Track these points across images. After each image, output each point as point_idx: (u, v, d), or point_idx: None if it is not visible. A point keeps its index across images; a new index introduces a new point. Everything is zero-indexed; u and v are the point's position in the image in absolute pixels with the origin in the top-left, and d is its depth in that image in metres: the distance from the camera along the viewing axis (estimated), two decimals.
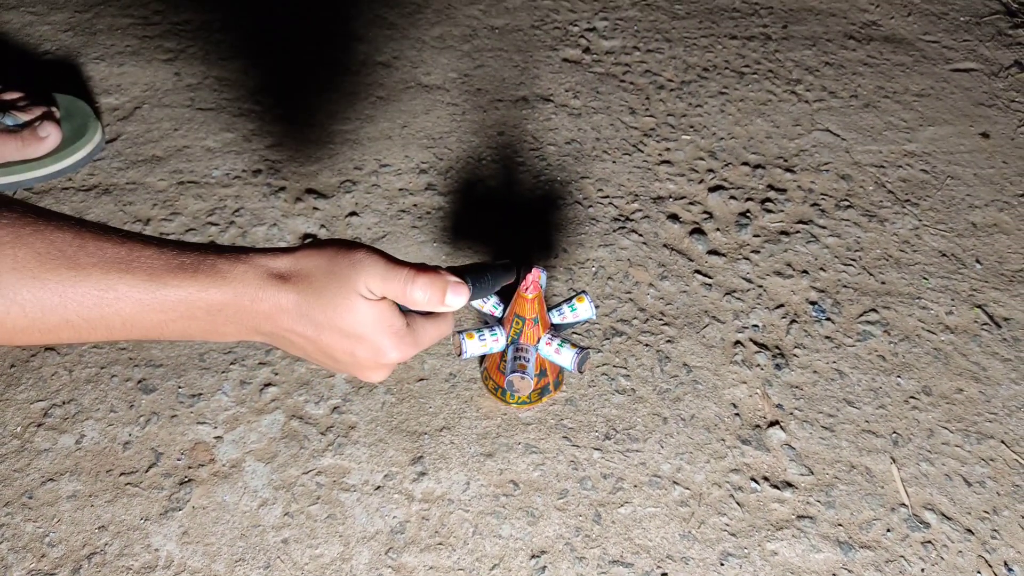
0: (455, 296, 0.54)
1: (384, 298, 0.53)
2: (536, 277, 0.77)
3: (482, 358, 0.92)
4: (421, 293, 0.52)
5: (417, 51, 1.36)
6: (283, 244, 1.05)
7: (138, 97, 1.24)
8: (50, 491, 0.80)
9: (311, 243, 0.55)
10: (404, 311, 0.55)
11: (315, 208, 1.09)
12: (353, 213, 1.09)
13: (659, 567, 0.78)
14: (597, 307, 1.00)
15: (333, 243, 0.54)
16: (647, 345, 0.97)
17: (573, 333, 0.97)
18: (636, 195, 1.15)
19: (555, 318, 0.86)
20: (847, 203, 1.17)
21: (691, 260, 1.07)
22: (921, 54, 1.48)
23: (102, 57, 1.30)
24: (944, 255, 1.11)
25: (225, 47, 1.33)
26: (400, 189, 1.13)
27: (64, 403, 0.88)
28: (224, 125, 1.20)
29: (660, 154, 1.22)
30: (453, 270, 0.57)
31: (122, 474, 0.82)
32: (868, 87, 1.38)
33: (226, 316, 0.51)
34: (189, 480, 0.82)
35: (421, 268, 0.53)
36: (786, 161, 1.23)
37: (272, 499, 0.81)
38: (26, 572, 0.75)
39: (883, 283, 1.06)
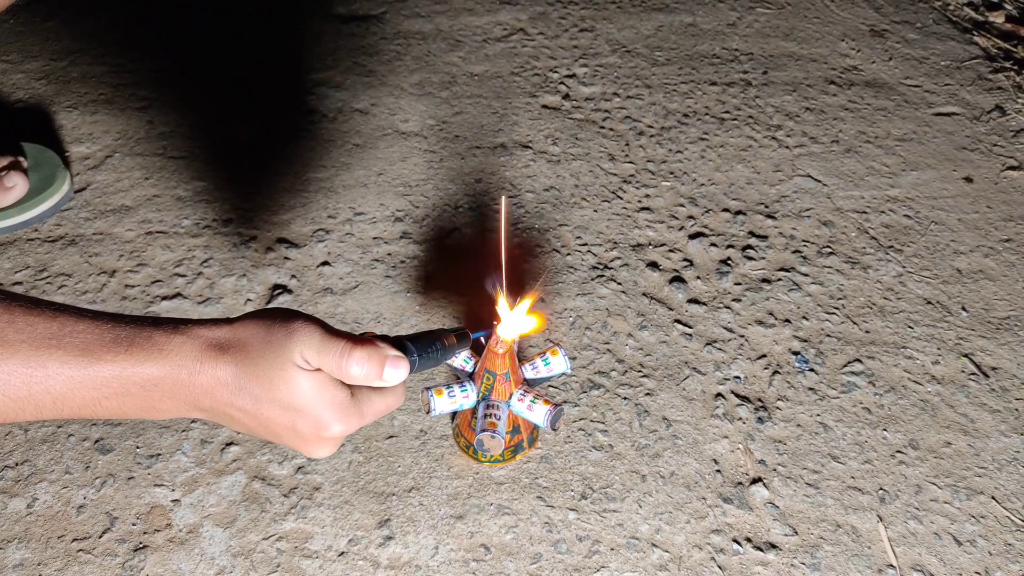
0: (394, 371, 0.51)
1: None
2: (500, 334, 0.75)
3: (453, 414, 0.89)
4: (357, 368, 0.50)
5: (395, 98, 1.36)
6: (252, 296, 1.02)
7: (110, 145, 1.22)
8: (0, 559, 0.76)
9: (250, 313, 0.52)
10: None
11: (286, 258, 1.07)
12: (325, 263, 1.07)
13: None
14: (573, 359, 0.97)
15: (271, 312, 0.51)
16: (625, 398, 0.94)
17: (548, 387, 0.94)
18: (615, 243, 1.13)
19: (528, 372, 0.84)
20: (829, 250, 1.15)
21: (671, 309, 1.05)
22: (903, 98, 1.48)
23: (75, 105, 1.29)
24: (929, 302, 1.09)
25: (200, 94, 1.33)
26: (374, 238, 1.11)
27: (17, 464, 0.84)
28: (196, 173, 1.18)
29: (640, 201, 1.20)
30: (397, 340, 0.54)
31: (74, 540, 0.79)
32: (849, 132, 1.38)
33: (162, 391, 0.48)
34: (144, 547, 0.78)
35: (358, 340, 0.50)
36: (767, 207, 1.21)
37: (230, 567, 0.77)
38: None
39: (867, 332, 1.04)
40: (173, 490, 0.82)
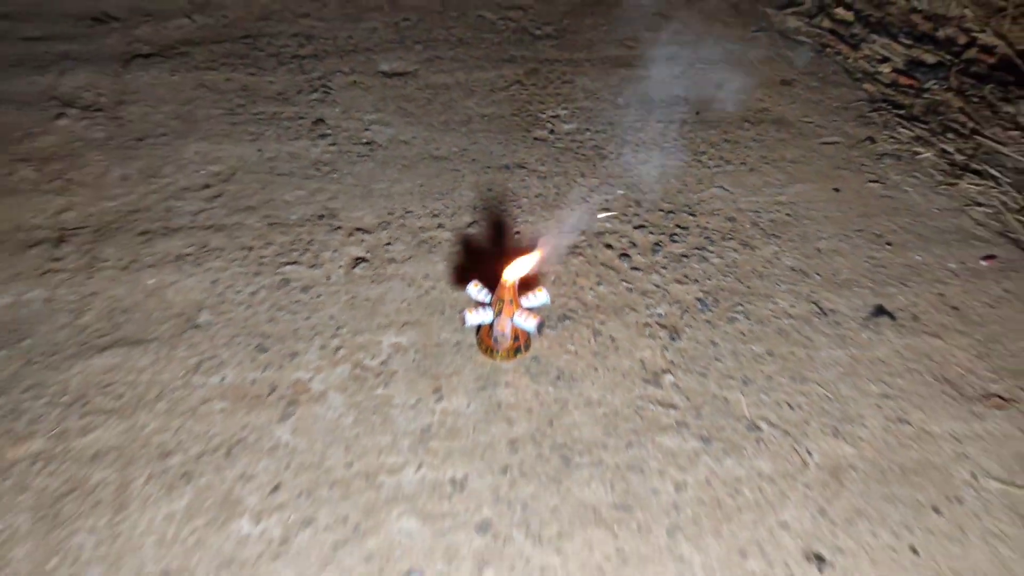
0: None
1: None
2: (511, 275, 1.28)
3: (478, 328, 1.41)
4: None
5: (429, 132, 1.90)
6: (341, 264, 1.55)
7: (233, 166, 1.76)
8: (207, 408, 1.28)
9: None
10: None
11: (362, 240, 1.60)
12: (388, 243, 1.60)
13: (588, 450, 1.26)
14: (550, 303, 1.49)
15: None
16: (586, 326, 1.47)
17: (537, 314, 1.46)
18: (583, 231, 1.66)
19: (524, 302, 1.36)
20: (730, 236, 1.69)
21: (619, 273, 1.58)
22: (798, 131, 2.02)
23: (205, 137, 1.83)
24: (794, 270, 1.62)
25: (293, 131, 1.87)
26: (420, 227, 1.64)
27: (210, 358, 1.36)
28: (296, 185, 1.72)
29: (601, 204, 1.74)
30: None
31: (251, 399, 1.30)
32: (754, 156, 1.92)
33: None
34: (294, 402, 1.30)
35: None
36: (689, 208, 1.75)
37: (346, 414, 1.29)
38: (195, 456, 1.22)
39: (748, 288, 1.57)
40: (309, 372, 1.34)
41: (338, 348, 1.39)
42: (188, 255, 1.54)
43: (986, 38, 2.66)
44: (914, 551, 1.17)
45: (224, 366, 1.35)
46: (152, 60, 2.04)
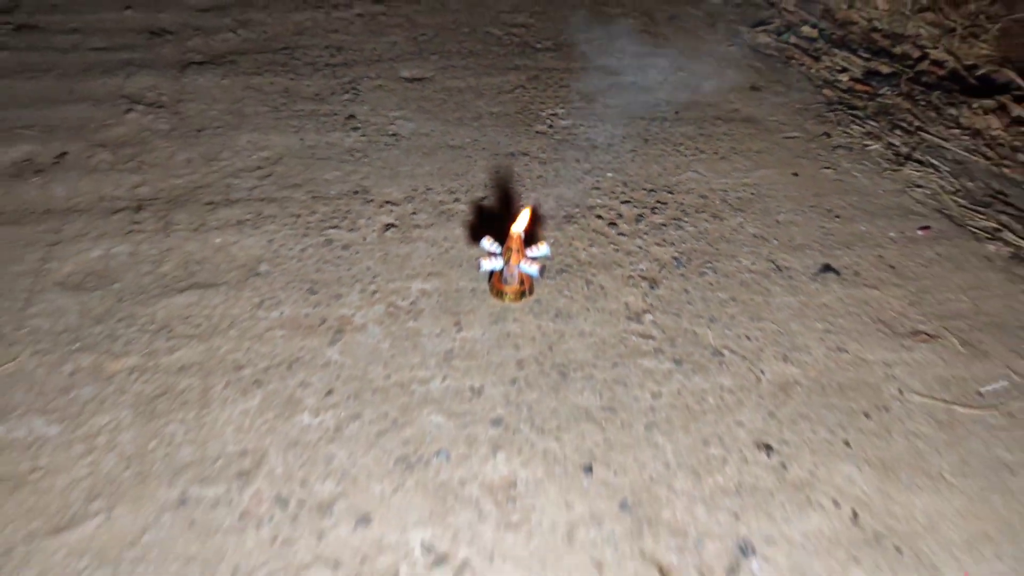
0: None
1: None
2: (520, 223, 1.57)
3: (490, 275, 1.70)
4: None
5: (445, 126, 2.21)
6: (374, 229, 1.84)
7: (280, 152, 2.06)
8: (270, 335, 1.56)
9: None
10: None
11: (391, 211, 1.90)
12: (414, 213, 1.89)
13: (581, 367, 1.54)
14: (550, 256, 1.79)
15: None
16: (580, 277, 1.76)
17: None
18: (578, 205, 1.96)
19: (528, 252, 1.66)
20: (703, 210, 1.99)
21: (607, 238, 1.87)
22: (764, 128, 2.33)
23: (254, 129, 2.14)
24: (756, 236, 1.92)
25: (329, 125, 2.17)
26: (440, 201, 1.94)
27: (270, 298, 1.65)
28: (334, 167, 2.02)
29: (593, 184, 2.04)
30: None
31: (305, 328, 1.58)
32: (725, 147, 2.22)
33: None
34: (340, 331, 1.58)
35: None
36: (669, 188, 2.05)
37: (383, 340, 1.57)
38: (263, 368, 1.50)
39: (717, 250, 1.86)
40: (351, 310, 1.63)
41: (374, 292, 1.68)
42: (247, 220, 1.83)
43: (937, 53, 2.99)
44: (846, 444, 1.45)
45: (282, 304, 1.64)
46: (204, 67, 2.35)
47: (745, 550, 1.27)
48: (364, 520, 1.27)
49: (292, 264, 1.73)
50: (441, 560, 1.22)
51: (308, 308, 1.63)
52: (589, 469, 1.37)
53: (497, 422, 1.43)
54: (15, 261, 1.69)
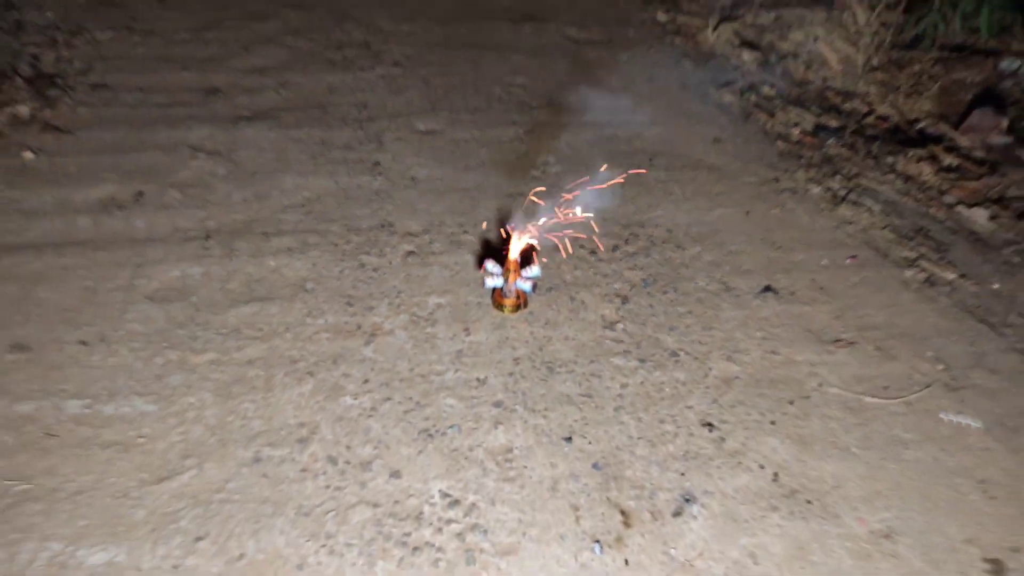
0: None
1: None
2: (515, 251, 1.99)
3: (492, 291, 2.11)
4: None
5: (454, 172, 2.63)
6: (398, 256, 2.25)
7: (319, 192, 2.49)
8: (318, 337, 1.96)
9: None
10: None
11: (412, 240, 2.31)
12: (430, 242, 2.31)
13: (564, 364, 1.94)
14: (541, 276, 2.20)
15: None
16: (565, 294, 2.16)
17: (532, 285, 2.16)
18: (562, 237, 2.38)
19: (523, 272, 2.07)
20: (668, 242, 2.40)
21: (588, 263, 2.29)
22: (723, 173, 2.76)
23: (297, 174, 2.56)
24: (711, 263, 2.33)
25: (358, 170, 2.60)
26: (451, 233, 2.36)
27: (316, 309, 2.05)
28: (363, 205, 2.44)
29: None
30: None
31: (347, 332, 1.99)
32: (690, 190, 2.65)
33: None
34: (373, 334, 1.99)
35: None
36: (641, 223, 2.47)
37: (407, 342, 1.97)
38: (313, 363, 1.89)
39: (678, 273, 2.28)
40: (381, 318, 2.03)
41: (399, 304, 2.08)
42: (295, 248, 2.25)
43: (883, 109, 3.45)
44: (773, 423, 1.84)
45: (325, 313, 2.04)
46: (252, 121, 2.79)
47: (688, 499, 1.66)
48: (395, 474, 1.66)
49: (332, 282, 2.14)
50: (454, 504, 1.61)
51: (347, 317, 2.03)
52: (569, 439, 1.76)
53: (498, 404, 1.82)
54: (109, 279, 2.10)
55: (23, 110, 2.72)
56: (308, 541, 1.52)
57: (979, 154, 3.17)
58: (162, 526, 1.53)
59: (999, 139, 3.29)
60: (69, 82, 2.91)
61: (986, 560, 1.60)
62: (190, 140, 2.64)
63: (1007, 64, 3.81)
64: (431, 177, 2.59)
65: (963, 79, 3.71)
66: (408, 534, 1.55)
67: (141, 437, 1.70)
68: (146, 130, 2.67)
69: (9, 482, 1.59)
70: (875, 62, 3.66)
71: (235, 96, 2.89)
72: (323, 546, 1.51)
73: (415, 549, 1.52)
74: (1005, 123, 3.32)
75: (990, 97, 3.51)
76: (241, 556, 1.49)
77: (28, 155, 2.53)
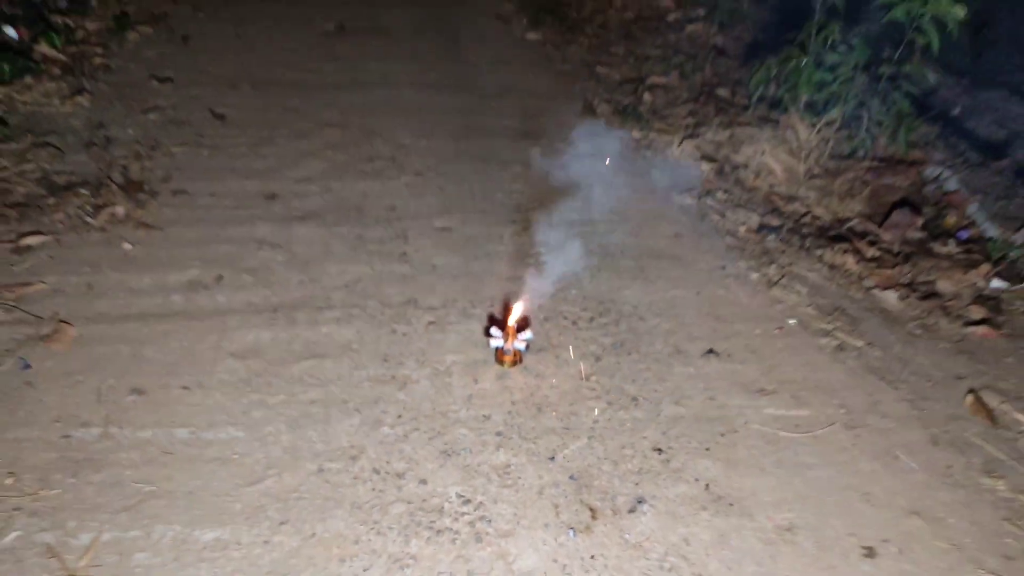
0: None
1: None
2: (512, 328, 2.64)
3: (495, 350, 2.74)
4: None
5: (466, 261, 3.31)
6: (422, 325, 2.90)
7: (358, 276, 3.15)
8: (361, 384, 2.58)
9: None
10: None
11: (433, 312, 2.96)
12: (447, 314, 2.95)
13: (551, 405, 2.55)
14: (533, 339, 2.83)
15: None
16: (552, 353, 2.79)
17: (526, 345, 2.80)
18: (551, 310, 3.03)
19: (520, 336, 2.70)
20: (633, 315, 3.05)
21: (570, 331, 2.92)
22: (681, 262, 3.43)
23: (340, 261, 3.23)
24: (667, 331, 2.97)
25: (389, 259, 3.27)
26: (464, 307, 3.00)
27: (359, 364, 2.68)
28: (394, 286, 3.10)
29: (562, 297, 3.12)
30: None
31: (384, 381, 2.60)
32: (653, 275, 3.31)
33: None
34: (405, 384, 2.61)
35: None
36: (612, 300, 3.12)
37: (430, 388, 2.58)
38: (361, 403, 2.51)
39: (640, 339, 2.91)
40: (410, 371, 2.66)
41: (424, 361, 2.71)
42: (342, 318, 2.89)
43: (818, 210, 4.16)
44: (707, 449, 2.44)
45: (367, 367, 2.67)
46: (303, 220, 3.49)
47: (640, 501, 2.24)
48: (423, 482, 2.25)
49: (371, 344, 2.77)
50: (467, 502, 2.20)
51: (383, 369, 2.66)
52: (552, 458, 2.36)
53: (499, 433, 2.43)
54: (201, 341, 2.73)
55: (120, 210, 3.43)
56: (361, 525, 2.10)
57: (897, 247, 3.86)
58: (254, 515, 2.12)
59: (915, 234, 3.99)
60: (154, 188, 3.63)
61: (863, 547, 2.18)
62: (255, 235, 3.33)
63: (929, 172, 4.57)
64: (447, 264, 3.26)
65: (891, 184, 4.45)
66: (433, 521, 2.13)
67: (235, 454, 2.30)
68: (220, 227, 3.36)
69: (139, 484, 2.19)
70: (815, 171, 4.40)
71: (289, 200, 3.61)
72: (371, 528, 2.10)
73: (438, 531, 2.10)
74: (920, 221, 4.03)
75: (911, 200, 4.24)
76: (312, 535, 2.07)
77: (127, 246, 3.21)
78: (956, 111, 5.37)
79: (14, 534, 2.02)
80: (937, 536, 2.22)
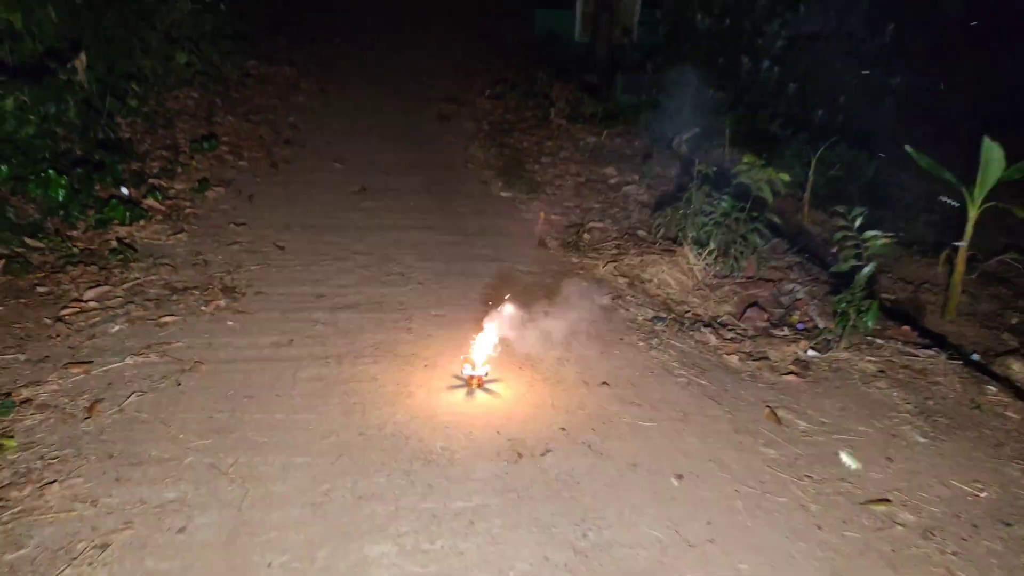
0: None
1: None
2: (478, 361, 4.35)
3: (467, 377, 4.41)
4: None
5: (453, 332, 5.05)
6: (419, 367, 4.59)
7: (382, 341, 4.88)
8: (388, 390, 4.24)
9: None
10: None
11: (428, 361, 4.65)
12: (438, 361, 4.65)
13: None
14: (490, 368, 4.52)
15: None
16: (502, 382, 4.47)
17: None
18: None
19: (480, 367, 4.39)
20: (556, 363, 4.75)
21: (515, 369, 4.62)
22: (594, 336, 5.18)
23: (371, 333, 4.98)
24: (578, 373, 4.66)
25: (400, 332, 5.02)
26: (449, 357, 4.71)
27: (379, 390, 4.35)
28: (403, 346, 4.82)
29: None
30: None
31: (401, 397, 4.26)
32: (573, 341, 5.04)
33: None
34: (411, 395, 4.27)
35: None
36: (533, 364, 4.84)
37: (428, 399, 4.25)
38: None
39: (561, 374, 4.60)
40: (415, 388, 4.33)
41: (421, 386, 4.39)
42: (371, 361, 4.58)
43: (699, 311, 5.94)
44: (608, 424, 4.08)
45: (386, 386, 4.34)
46: (344, 309, 5.23)
47: (549, 452, 3.87)
48: (407, 438, 3.89)
49: (389, 376, 4.45)
50: (445, 448, 3.83)
51: (397, 388, 4.33)
52: (498, 432, 4.00)
53: (466, 422, 4.08)
54: (284, 373, 4.41)
55: (221, 303, 5.20)
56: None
57: (749, 333, 5.62)
58: (327, 452, 3.74)
59: (763, 324, 5.76)
60: (242, 290, 5.43)
61: (676, 474, 3.78)
62: (312, 317, 5.09)
63: (787, 286, 6.41)
64: (440, 335, 4.99)
65: (754, 294, 6.28)
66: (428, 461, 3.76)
67: (310, 426, 3.94)
68: (288, 313, 5.13)
69: (255, 438, 3.82)
70: (700, 286, 6.24)
71: (333, 298, 5.39)
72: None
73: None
74: (767, 316, 5.82)
75: (763, 303, 6.03)
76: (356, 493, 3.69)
77: (230, 323, 4.96)
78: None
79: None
80: (722, 471, 3.83)
